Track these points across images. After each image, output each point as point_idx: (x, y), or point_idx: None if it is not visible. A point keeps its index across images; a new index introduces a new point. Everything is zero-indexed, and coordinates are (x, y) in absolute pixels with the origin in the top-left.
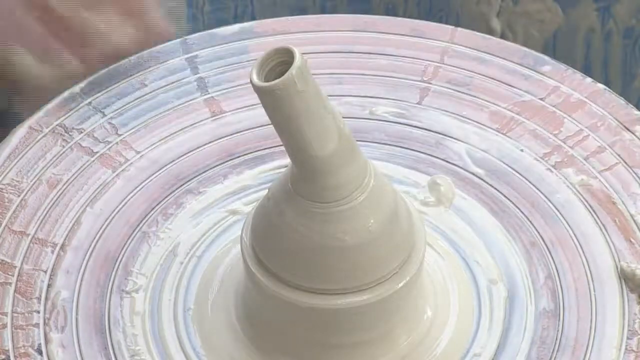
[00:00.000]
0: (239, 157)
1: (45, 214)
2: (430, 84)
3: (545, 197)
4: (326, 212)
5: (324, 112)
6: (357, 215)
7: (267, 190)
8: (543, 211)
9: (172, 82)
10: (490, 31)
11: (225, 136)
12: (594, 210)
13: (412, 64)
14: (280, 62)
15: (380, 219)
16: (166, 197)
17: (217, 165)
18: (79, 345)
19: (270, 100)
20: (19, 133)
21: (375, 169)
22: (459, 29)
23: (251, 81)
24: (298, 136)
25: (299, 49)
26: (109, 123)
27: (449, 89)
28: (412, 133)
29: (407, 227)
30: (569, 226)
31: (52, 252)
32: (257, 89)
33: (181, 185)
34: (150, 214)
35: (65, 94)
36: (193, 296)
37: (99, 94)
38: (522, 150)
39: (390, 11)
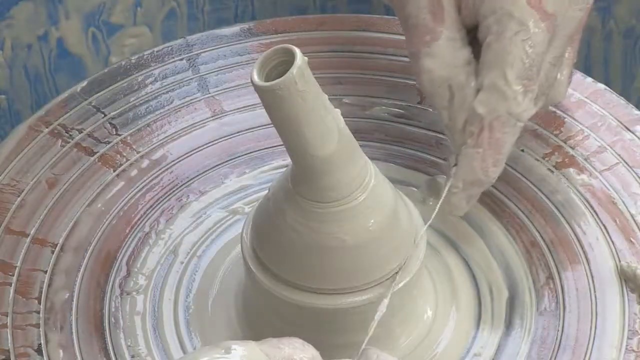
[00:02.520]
0: (239, 157)
1: (45, 214)
2: None
3: (546, 197)
4: (326, 212)
5: (324, 111)
6: (357, 215)
7: (267, 190)
8: (543, 211)
9: (173, 82)
10: None
11: (225, 136)
12: (594, 210)
13: None
14: (280, 61)
15: (380, 219)
16: (166, 197)
17: (218, 165)
18: (79, 346)
19: (271, 99)
20: (19, 133)
21: (376, 169)
22: None
23: (252, 81)
24: (298, 136)
25: (300, 49)
26: (110, 123)
27: None
28: (412, 133)
29: (407, 227)
30: (570, 226)
31: (52, 252)
32: (258, 89)
33: (182, 185)
34: (151, 214)
35: (65, 93)
36: (193, 296)
37: (99, 94)
38: (522, 151)
39: (391, 11)
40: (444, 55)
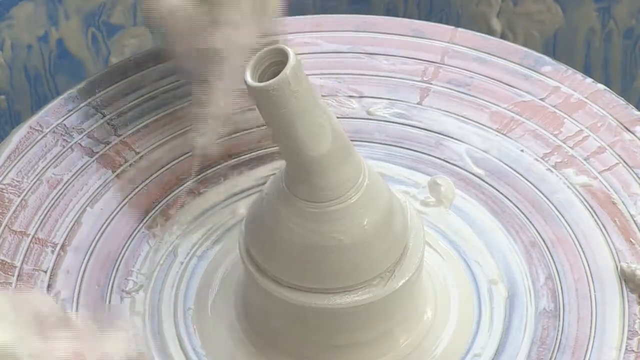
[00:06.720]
0: (238, 157)
1: (46, 214)
2: (431, 84)
3: (546, 197)
4: (321, 212)
5: (318, 111)
6: (352, 214)
7: (261, 190)
8: (543, 211)
9: (172, 82)
10: (490, 31)
11: (225, 136)
12: (594, 211)
13: (412, 64)
14: (274, 62)
15: (375, 217)
16: (166, 197)
17: (217, 166)
18: None
19: (265, 100)
20: (20, 133)
21: (370, 168)
22: (459, 29)
23: (245, 81)
24: (292, 136)
25: (298, 49)
26: (109, 123)
27: (449, 89)
28: (412, 133)
29: (401, 225)
30: (569, 226)
31: (52, 252)
32: (252, 89)
33: (181, 186)
34: (150, 214)
35: (65, 94)
36: (193, 296)
37: (99, 94)
38: (522, 151)
39: (391, 11)
40: None
